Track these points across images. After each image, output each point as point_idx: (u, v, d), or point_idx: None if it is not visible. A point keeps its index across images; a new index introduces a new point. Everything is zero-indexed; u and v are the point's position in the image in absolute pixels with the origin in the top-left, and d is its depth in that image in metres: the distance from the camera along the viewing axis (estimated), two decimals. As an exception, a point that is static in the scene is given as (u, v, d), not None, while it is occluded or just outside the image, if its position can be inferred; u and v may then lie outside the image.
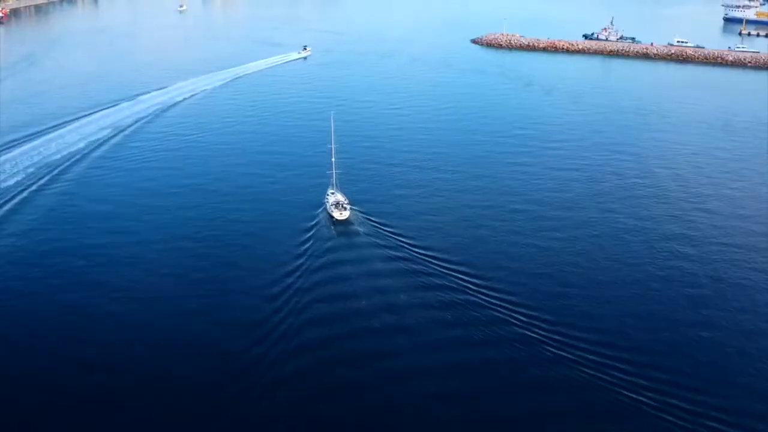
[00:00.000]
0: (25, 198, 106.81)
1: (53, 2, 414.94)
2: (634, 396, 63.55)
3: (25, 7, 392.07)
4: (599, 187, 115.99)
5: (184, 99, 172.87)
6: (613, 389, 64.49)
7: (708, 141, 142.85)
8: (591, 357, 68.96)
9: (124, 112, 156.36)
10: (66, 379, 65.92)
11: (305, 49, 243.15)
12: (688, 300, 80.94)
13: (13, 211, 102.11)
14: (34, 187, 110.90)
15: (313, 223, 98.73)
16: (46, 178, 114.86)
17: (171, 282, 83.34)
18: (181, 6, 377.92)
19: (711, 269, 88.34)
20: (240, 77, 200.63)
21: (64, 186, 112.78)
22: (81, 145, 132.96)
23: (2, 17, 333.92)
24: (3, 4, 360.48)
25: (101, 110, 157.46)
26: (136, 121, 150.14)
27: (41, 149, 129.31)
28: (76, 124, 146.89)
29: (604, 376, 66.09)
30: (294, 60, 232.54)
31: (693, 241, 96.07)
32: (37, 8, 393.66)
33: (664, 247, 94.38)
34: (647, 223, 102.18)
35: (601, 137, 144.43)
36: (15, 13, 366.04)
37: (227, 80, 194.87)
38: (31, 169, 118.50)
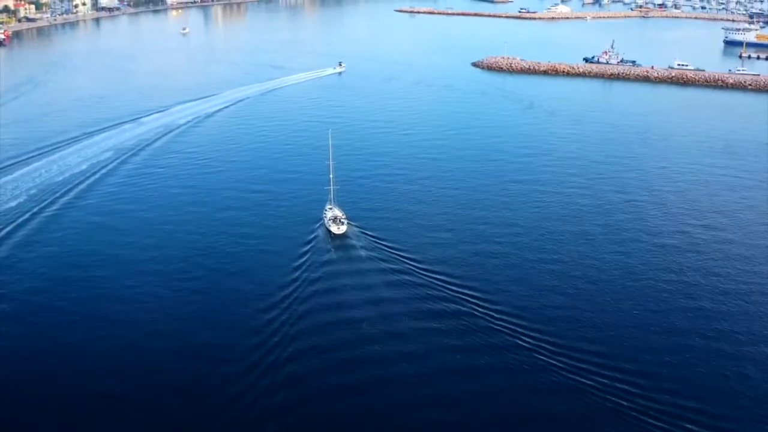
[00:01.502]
0: (32, 216, 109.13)
1: (55, 24, 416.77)
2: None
3: (27, 29, 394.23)
4: (604, 205, 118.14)
5: (192, 120, 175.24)
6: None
7: (709, 161, 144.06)
8: (601, 380, 69.49)
9: (126, 134, 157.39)
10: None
11: (340, 65, 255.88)
12: (705, 320, 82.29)
13: (23, 229, 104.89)
14: (36, 208, 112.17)
15: (312, 237, 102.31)
16: (51, 198, 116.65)
17: (170, 291, 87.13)
18: (183, 28, 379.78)
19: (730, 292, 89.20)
20: (267, 92, 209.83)
21: (69, 205, 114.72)
22: (84, 167, 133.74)
23: (4, 39, 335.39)
24: (5, 27, 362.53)
25: (105, 131, 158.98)
26: (139, 143, 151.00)
27: (43, 170, 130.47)
28: (80, 144, 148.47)
29: (621, 401, 66.58)
30: (330, 74, 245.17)
31: (702, 259, 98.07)
32: (39, 30, 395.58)
33: (675, 265, 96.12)
34: (654, 239, 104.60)
35: (604, 157, 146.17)
36: (17, 35, 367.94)
37: (259, 93, 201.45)
38: (33, 191, 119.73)
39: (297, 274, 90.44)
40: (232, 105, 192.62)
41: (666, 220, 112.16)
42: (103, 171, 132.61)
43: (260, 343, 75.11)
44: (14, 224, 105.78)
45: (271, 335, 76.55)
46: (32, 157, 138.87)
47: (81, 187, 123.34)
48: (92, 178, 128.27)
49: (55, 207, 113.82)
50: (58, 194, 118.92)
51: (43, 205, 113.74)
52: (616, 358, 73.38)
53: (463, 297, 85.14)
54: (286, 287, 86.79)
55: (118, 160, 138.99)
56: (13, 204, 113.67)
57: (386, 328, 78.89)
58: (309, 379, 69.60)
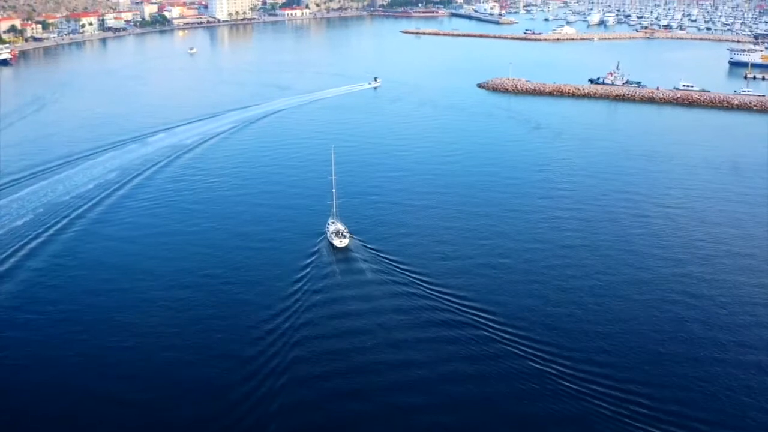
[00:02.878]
0: (40, 239, 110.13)
1: (61, 44, 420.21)
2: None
3: (34, 48, 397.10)
4: (613, 221, 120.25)
5: (210, 137, 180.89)
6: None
7: (716, 179, 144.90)
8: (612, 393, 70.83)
9: (132, 155, 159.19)
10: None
11: (376, 80, 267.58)
12: (714, 331, 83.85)
13: (32, 251, 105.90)
14: (43, 230, 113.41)
15: (315, 249, 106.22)
16: (58, 219, 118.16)
17: (176, 302, 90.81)
18: (191, 48, 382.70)
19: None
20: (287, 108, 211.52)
21: (77, 226, 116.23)
22: (90, 186, 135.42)
23: (11, 58, 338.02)
24: (12, 46, 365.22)
25: (110, 150, 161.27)
26: (146, 162, 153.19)
27: (48, 190, 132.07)
28: (87, 163, 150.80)
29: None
30: (365, 89, 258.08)
31: (711, 272, 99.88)
32: (46, 50, 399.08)
33: (685, 278, 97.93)
34: (663, 253, 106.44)
35: (611, 175, 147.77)
36: (24, 54, 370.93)
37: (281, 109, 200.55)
38: (40, 210, 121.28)
39: (300, 285, 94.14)
40: (242, 126, 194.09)
41: (675, 235, 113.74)
42: (115, 188, 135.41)
43: (264, 349, 78.87)
44: (29, 238, 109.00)
45: (273, 342, 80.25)
46: (38, 175, 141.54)
47: (92, 202, 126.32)
48: (102, 194, 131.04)
49: (67, 221, 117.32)
50: (72, 209, 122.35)
51: (58, 220, 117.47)
52: (623, 370, 75.09)
53: (463, 308, 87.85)
54: (290, 297, 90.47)
55: (138, 175, 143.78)
56: (19, 222, 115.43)
57: (385, 335, 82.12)
58: (308, 387, 72.05)
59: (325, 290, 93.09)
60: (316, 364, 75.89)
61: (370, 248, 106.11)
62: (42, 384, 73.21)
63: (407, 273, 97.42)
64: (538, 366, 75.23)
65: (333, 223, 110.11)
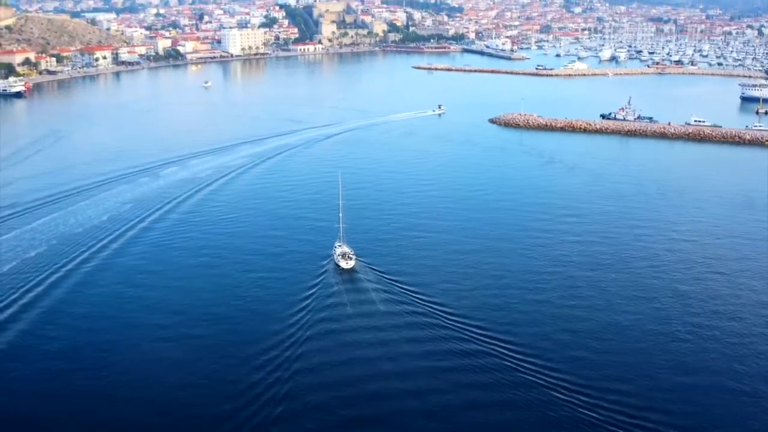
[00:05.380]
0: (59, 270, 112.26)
1: (75, 78, 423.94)
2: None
3: (48, 81, 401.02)
4: (622, 254, 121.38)
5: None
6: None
7: (729, 214, 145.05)
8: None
9: (143, 188, 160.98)
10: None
11: (440, 107, 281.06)
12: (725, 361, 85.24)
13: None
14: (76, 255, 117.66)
15: (323, 271, 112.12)
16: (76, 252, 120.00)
17: (187, 315, 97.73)
18: (206, 82, 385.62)
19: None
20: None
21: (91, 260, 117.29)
22: (104, 218, 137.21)
23: (25, 91, 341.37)
24: (26, 78, 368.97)
25: (122, 184, 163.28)
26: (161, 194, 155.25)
27: (60, 221, 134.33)
28: (101, 195, 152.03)
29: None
30: (430, 115, 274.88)
31: (721, 305, 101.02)
32: (60, 83, 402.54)
33: (696, 311, 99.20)
34: (673, 286, 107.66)
35: (623, 208, 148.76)
36: (37, 87, 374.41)
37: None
38: (54, 241, 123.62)
39: (307, 302, 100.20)
40: (258, 159, 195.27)
41: (685, 271, 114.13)
42: (128, 219, 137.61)
43: (272, 357, 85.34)
44: (47, 272, 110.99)
45: (281, 352, 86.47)
46: (50, 204, 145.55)
47: (113, 236, 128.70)
48: (119, 227, 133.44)
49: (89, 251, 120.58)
50: (91, 239, 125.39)
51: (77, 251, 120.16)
52: (639, 397, 76.93)
53: (465, 328, 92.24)
54: (296, 314, 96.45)
55: (159, 208, 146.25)
56: (32, 254, 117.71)
57: (385, 351, 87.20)
58: (311, 402, 76.77)
59: (330, 308, 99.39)
60: (318, 373, 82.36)
61: (376, 270, 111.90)
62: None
63: (412, 294, 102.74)
64: (559, 396, 77.00)
65: (340, 245, 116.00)
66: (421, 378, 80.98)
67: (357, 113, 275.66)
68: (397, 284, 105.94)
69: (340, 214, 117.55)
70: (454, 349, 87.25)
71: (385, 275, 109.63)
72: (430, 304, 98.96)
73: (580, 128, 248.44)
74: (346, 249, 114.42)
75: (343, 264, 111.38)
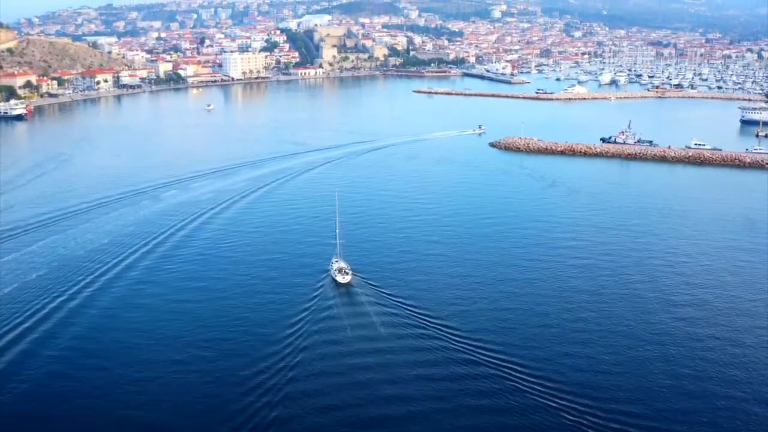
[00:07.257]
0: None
1: (76, 101, 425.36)
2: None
3: (49, 104, 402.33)
4: (622, 275, 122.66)
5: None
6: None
7: (730, 237, 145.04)
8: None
9: (144, 210, 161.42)
10: None
11: (480, 127, 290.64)
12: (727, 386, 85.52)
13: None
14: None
15: (320, 285, 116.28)
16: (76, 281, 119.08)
17: (184, 338, 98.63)
18: (208, 105, 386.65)
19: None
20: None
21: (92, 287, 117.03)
22: (105, 240, 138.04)
23: (26, 114, 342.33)
24: (27, 101, 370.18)
25: (124, 206, 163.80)
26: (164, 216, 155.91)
27: (63, 244, 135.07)
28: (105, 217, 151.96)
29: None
30: (470, 135, 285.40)
31: (724, 331, 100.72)
32: (61, 106, 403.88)
33: (698, 335, 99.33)
34: (675, 310, 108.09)
35: (625, 230, 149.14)
36: (38, 109, 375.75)
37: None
38: (55, 264, 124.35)
39: (304, 315, 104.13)
40: (258, 181, 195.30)
41: (686, 292, 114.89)
42: (130, 244, 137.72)
43: (271, 364, 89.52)
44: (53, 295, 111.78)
45: (279, 360, 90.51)
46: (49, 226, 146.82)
47: (115, 260, 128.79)
48: (122, 251, 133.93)
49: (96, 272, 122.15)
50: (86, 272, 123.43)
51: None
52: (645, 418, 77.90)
53: (463, 342, 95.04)
54: (293, 326, 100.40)
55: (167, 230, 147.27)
56: (32, 276, 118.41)
57: (379, 359, 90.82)
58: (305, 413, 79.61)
59: (326, 320, 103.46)
60: (314, 381, 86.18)
61: (372, 284, 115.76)
62: None
63: (408, 308, 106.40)
64: (568, 418, 77.71)
65: (336, 261, 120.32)
66: (412, 386, 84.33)
67: (358, 135, 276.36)
68: (393, 298, 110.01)
69: (338, 230, 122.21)
70: (447, 357, 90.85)
71: (380, 289, 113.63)
72: (427, 318, 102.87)
73: (581, 152, 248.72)
74: (342, 264, 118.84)
75: (340, 279, 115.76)
